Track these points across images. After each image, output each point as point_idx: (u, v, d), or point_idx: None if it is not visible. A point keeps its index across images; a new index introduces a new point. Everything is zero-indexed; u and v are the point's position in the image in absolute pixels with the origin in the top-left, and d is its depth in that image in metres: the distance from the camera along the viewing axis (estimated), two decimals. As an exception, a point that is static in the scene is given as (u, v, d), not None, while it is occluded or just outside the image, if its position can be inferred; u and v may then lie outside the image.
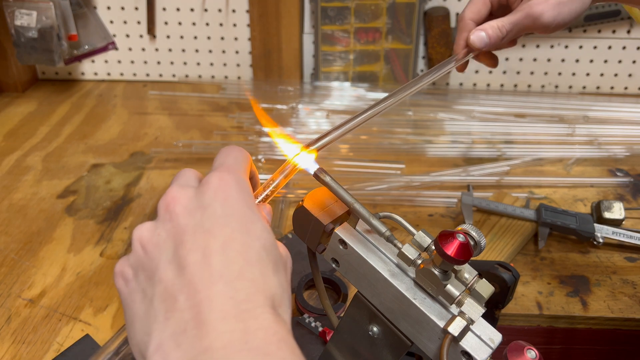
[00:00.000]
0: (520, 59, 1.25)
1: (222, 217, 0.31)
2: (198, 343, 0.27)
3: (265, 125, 0.43)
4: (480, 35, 0.56)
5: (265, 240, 0.32)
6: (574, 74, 1.26)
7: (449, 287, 0.35)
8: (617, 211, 0.79)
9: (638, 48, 1.23)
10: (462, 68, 0.62)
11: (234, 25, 1.24)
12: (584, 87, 1.28)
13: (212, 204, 0.31)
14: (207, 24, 1.24)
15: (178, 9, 1.22)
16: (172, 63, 1.29)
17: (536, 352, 0.35)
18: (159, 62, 1.29)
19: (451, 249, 0.33)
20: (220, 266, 0.29)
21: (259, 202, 0.38)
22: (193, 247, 0.30)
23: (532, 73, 1.27)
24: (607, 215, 0.79)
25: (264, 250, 0.31)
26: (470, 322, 0.35)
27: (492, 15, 0.62)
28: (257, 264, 0.30)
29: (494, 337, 0.35)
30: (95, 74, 1.31)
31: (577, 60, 1.25)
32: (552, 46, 1.23)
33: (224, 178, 0.33)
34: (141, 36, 1.26)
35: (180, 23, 1.24)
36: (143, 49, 1.28)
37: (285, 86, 1.22)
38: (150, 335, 0.28)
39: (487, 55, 0.62)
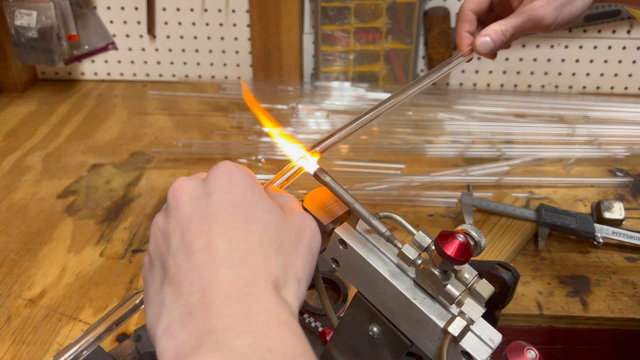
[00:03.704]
0: (520, 59, 1.25)
1: (226, 204, 0.32)
2: (202, 325, 0.28)
3: (266, 125, 0.43)
4: (485, 41, 0.57)
5: (267, 222, 0.33)
6: (574, 74, 1.26)
7: (449, 287, 0.35)
8: (617, 211, 0.79)
9: (638, 48, 1.23)
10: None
11: (234, 25, 1.24)
12: (584, 87, 1.28)
13: (216, 191, 0.33)
14: (207, 24, 1.24)
15: (178, 9, 1.22)
16: (172, 63, 1.29)
17: (536, 352, 0.35)
18: (159, 62, 1.29)
19: (451, 249, 0.33)
20: (223, 252, 0.30)
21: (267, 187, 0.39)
22: (198, 233, 0.31)
23: (532, 73, 1.27)
24: (607, 215, 0.79)
25: (266, 233, 0.32)
26: (470, 322, 0.35)
27: (491, 8, 0.62)
28: (259, 250, 0.31)
29: (494, 337, 0.35)
30: (95, 74, 1.31)
31: (577, 60, 1.25)
32: (552, 46, 1.23)
33: (228, 165, 0.34)
34: (141, 36, 1.26)
35: (180, 23, 1.24)
36: (143, 49, 1.28)
37: (285, 86, 1.22)
38: (160, 317, 0.30)
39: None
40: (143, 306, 0.34)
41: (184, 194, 0.33)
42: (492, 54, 0.63)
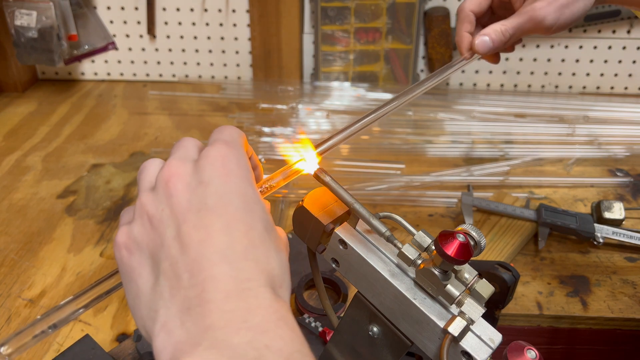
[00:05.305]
0: (520, 59, 1.25)
1: (225, 195, 0.31)
2: (201, 321, 0.27)
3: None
4: (484, 40, 0.57)
5: (266, 221, 0.32)
6: (574, 74, 1.26)
7: (449, 287, 0.35)
8: (617, 211, 0.79)
9: (638, 48, 1.23)
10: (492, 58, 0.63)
11: (234, 25, 1.24)
12: (584, 87, 1.28)
13: (212, 180, 0.31)
14: (207, 24, 1.24)
15: (178, 9, 1.22)
16: (172, 63, 1.29)
17: (536, 352, 0.35)
18: (159, 62, 1.29)
19: (451, 249, 0.33)
20: (224, 246, 0.29)
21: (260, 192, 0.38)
22: (197, 225, 0.30)
23: (532, 73, 1.27)
24: (607, 215, 0.79)
25: (266, 231, 0.31)
26: (470, 322, 0.35)
27: (492, 9, 0.62)
28: (261, 245, 0.30)
29: (494, 337, 0.35)
30: (95, 74, 1.31)
31: (577, 60, 1.25)
32: (552, 46, 1.23)
33: (223, 151, 0.32)
34: (141, 36, 1.26)
35: (180, 23, 1.24)
36: (143, 49, 1.28)
37: (285, 86, 1.22)
38: (157, 312, 0.29)
39: (490, 54, 0.63)
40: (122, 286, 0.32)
41: (178, 182, 0.31)
42: (494, 56, 0.63)
